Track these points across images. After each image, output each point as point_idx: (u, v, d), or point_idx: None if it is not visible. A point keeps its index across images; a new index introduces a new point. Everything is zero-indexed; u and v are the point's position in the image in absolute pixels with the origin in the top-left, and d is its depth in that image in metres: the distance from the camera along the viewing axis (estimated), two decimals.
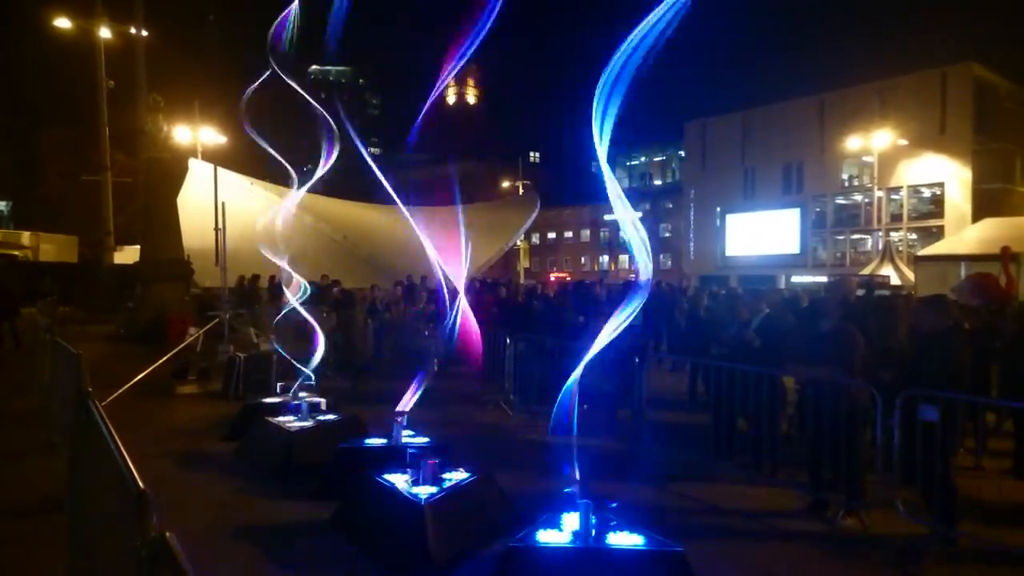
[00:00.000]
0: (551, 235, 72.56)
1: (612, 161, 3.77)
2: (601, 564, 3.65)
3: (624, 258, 66.27)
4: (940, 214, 37.26)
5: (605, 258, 66.27)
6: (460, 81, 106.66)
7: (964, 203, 35.84)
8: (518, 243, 39.35)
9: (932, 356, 4.80)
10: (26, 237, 38.38)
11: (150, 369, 9.02)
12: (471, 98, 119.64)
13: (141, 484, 1.93)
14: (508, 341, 9.39)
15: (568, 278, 54.16)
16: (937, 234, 34.91)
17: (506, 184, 61.27)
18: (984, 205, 33.59)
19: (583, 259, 68.99)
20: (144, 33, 25.36)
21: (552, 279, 51.75)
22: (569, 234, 71.59)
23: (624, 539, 3.71)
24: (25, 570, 4.22)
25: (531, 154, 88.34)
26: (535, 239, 70.97)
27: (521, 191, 50.25)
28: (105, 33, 26.39)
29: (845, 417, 5.09)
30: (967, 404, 5.45)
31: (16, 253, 35.52)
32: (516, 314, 11.45)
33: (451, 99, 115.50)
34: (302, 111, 6.93)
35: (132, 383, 8.41)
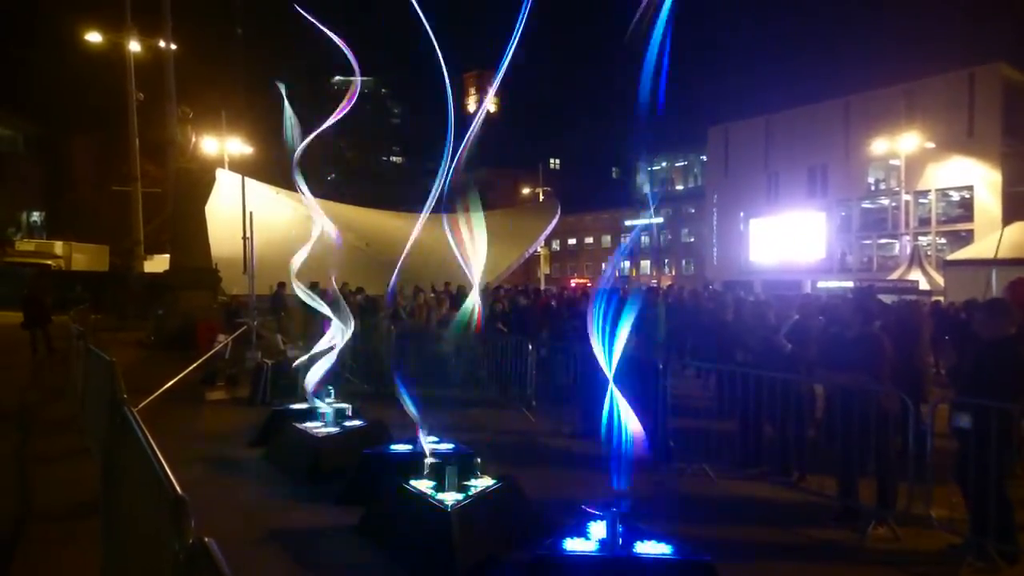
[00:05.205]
0: (571, 241, 72.43)
1: (632, 166, 3.78)
2: (629, 573, 3.63)
3: (645, 263, 65.90)
4: (969, 218, 36.47)
5: (626, 264, 65.86)
6: (480, 89, 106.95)
7: (994, 206, 35.03)
8: (539, 249, 39.29)
9: (992, 364, 4.47)
10: (58, 247, 39.26)
11: (180, 376, 9.15)
12: (491, 106, 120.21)
13: (179, 489, 1.96)
14: (531, 347, 9.41)
15: (588, 283, 53.96)
16: (967, 238, 34.17)
17: (526, 191, 61.38)
18: (1015, 208, 32.77)
19: (603, 265, 68.68)
20: (173, 46, 25.92)
21: (573, 285, 51.65)
22: (590, 240, 71.39)
23: (652, 548, 3.69)
24: (61, 574, 4.31)
25: (551, 161, 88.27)
26: (555, 245, 70.89)
27: (541, 198, 50.21)
28: (134, 46, 27.03)
29: (874, 424, 5.01)
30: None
31: (49, 262, 36.34)
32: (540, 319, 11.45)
33: (471, 107, 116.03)
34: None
35: (162, 390, 8.54)
